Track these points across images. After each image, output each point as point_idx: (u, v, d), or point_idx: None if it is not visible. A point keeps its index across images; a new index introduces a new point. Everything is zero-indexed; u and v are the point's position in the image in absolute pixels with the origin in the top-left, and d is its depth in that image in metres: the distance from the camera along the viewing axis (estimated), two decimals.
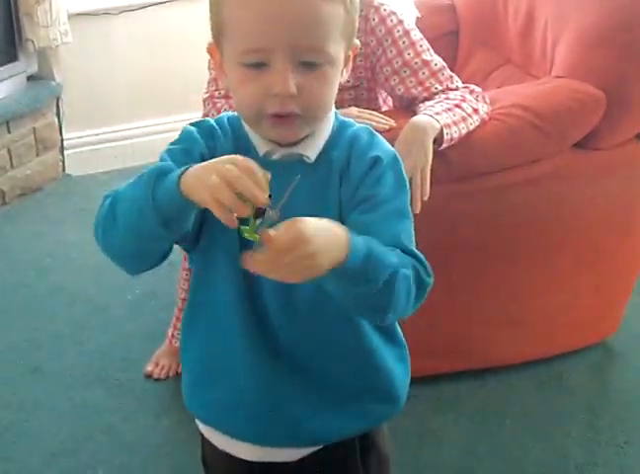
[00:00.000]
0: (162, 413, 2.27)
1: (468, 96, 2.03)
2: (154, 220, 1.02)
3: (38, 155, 3.55)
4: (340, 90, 2.20)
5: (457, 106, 1.96)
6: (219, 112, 2.11)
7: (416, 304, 1.10)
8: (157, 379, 2.38)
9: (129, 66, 3.72)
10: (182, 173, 1.00)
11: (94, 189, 3.58)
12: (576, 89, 2.05)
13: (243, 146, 1.13)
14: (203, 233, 1.15)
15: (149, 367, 2.40)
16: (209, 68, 2.19)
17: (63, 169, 3.70)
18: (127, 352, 2.50)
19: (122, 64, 3.70)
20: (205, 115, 2.17)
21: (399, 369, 1.26)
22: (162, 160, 1.11)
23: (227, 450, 1.26)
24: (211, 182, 0.94)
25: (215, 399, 1.22)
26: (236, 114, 1.17)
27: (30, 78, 3.53)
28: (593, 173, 2.17)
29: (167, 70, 3.76)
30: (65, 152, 3.69)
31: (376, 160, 1.13)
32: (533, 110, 2.00)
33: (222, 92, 2.14)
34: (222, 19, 1.07)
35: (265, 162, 1.09)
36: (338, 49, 1.07)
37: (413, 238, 1.13)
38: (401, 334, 1.27)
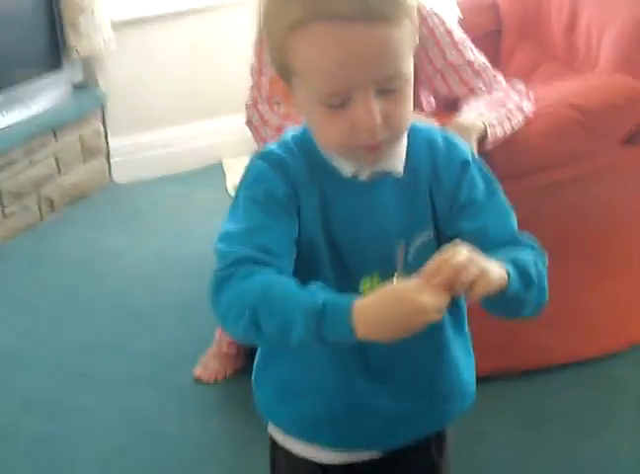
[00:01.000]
0: (211, 416, 2.29)
1: (512, 94, 2.01)
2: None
3: (84, 163, 3.59)
4: None
5: (502, 105, 1.95)
6: (262, 117, 2.12)
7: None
8: (206, 383, 2.39)
9: (171, 72, 3.75)
10: (349, 314, 0.96)
11: (140, 196, 3.62)
12: (622, 84, 2.02)
13: (319, 168, 1.12)
14: (299, 252, 1.12)
15: (198, 371, 2.42)
16: (252, 74, 2.20)
17: (110, 176, 3.74)
18: (175, 355, 2.52)
19: (164, 71, 3.73)
20: (249, 119, 2.19)
21: (467, 362, 1.27)
22: (244, 206, 1.09)
23: (307, 456, 1.26)
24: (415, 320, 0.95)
25: (302, 411, 1.21)
26: (299, 133, 1.14)
27: (74, 87, 3.57)
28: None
29: (208, 75, 3.78)
30: (111, 159, 3.73)
31: (465, 164, 1.14)
32: (579, 106, 1.98)
33: (264, 97, 2.15)
34: (291, 60, 1.04)
35: (351, 182, 1.11)
36: (409, 63, 1.06)
37: None
38: (467, 323, 1.28)
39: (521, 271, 1.04)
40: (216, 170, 3.80)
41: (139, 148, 3.79)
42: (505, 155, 1.94)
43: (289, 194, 1.09)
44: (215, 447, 2.18)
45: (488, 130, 1.87)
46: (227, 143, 3.82)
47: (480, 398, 2.26)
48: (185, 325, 2.68)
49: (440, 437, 1.30)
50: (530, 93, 2.05)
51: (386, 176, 1.12)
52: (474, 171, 1.14)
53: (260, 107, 2.16)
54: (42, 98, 3.42)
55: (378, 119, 1.01)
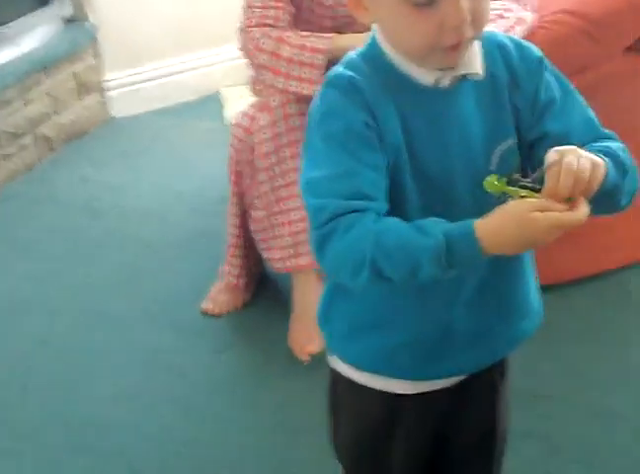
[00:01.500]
0: (222, 349, 2.29)
1: (513, 5, 1.95)
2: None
3: (80, 99, 3.53)
4: None
5: (501, 16, 1.89)
6: (254, 40, 2.06)
7: None
8: (215, 316, 2.39)
9: (163, 1, 3.66)
10: (475, 241, 0.98)
11: (138, 130, 3.57)
12: None
13: (395, 82, 1.08)
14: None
15: (205, 305, 2.41)
16: None
17: (107, 111, 3.68)
18: (182, 291, 2.51)
19: (156, 0, 3.64)
20: (243, 46, 2.12)
21: (535, 282, 1.26)
22: (324, 147, 1.05)
23: (380, 388, 1.24)
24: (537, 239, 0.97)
25: (380, 343, 1.19)
26: (364, 49, 1.11)
27: (65, 22, 3.50)
28: None
29: (201, 3, 3.69)
30: (107, 94, 3.67)
31: (540, 62, 1.13)
32: (582, 14, 1.92)
33: (256, 20, 2.08)
34: None
35: (431, 92, 1.07)
36: None
37: None
38: None
39: (615, 159, 1.05)
40: (214, 100, 3.74)
41: (135, 81, 3.72)
42: None
43: (367, 121, 1.05)
44: (229, 379, 2.19)
45: None
46: (224, 73, 3.76)
47: None
48: (190, 259, 2.66)
49: (503, 360, 1.31)
50: (534, 2, 1.99)
51: (466, 81, 1.09)
52: (548, 69, 1.13)
53: (253, 31, 2.09)
54: (33, 35, 3.35)
55: (468, 16, 1.00)
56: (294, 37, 2.03)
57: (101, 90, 3.64)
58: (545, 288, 2.30)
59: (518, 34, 1.89)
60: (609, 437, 1.95)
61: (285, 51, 2.02)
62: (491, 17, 1.83)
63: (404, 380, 1.22)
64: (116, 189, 3.12)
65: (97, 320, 2.43)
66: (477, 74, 1.08)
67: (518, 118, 1.12)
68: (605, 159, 1.02)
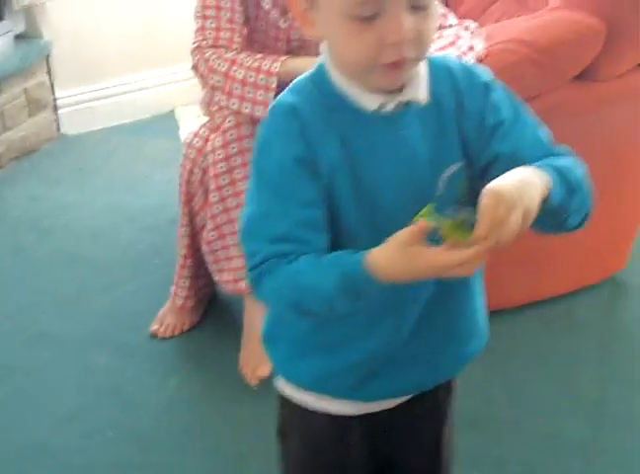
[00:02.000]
0: (169, 372, 2.26)
1: (463, 33, 1.96)
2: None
3: (30, 116, 3.48)
4: None
5: (452, 44, 1.91)
6: (208, 61, 2.06)
7: None
8: (163, 338, 2.36)
9: (118, 19, 3.64)
10: (364, 268, 0.99)
11: (90, 147, 3.54)
12: (574, 20, 1.98)
13: (338, 106, 1.08)
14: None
15: (154, 326, 2.38)
16: (196, 17, 2.12)
17: (58, 129, 3.64)
18: (132, 312, 2.48)
19: (111, 18, 3.62)
20: (194, 65, 2.12)
21: (483, 302, 1.26)
22: (258, 184, 1.08)
23: (326, 410, 1.24)
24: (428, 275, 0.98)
25: (325, 365, 1.19)
26: (314, 72, 1.11)
27: (17, 38, 3.45)
28: (594, 105, 2.11)
29: (157, 21, 3.68)
30: (59, 111, 3.63)
31: (487, 86, 1.12)
32: (531, 43, 1.93)
33: (210, 41, 2.08)
34: None
35: (374, 117, 1.07)
36: None
37: None
38: None
39: (563, 177, 1.04)
40: (169, 119, 3.73)
41: (88, 99, 3.69)
42: None
43: (300, 154, 1.05)
44: (175, 403, 2.16)
45: None
46: (180, 92, 3.74)
47: None
48: (140, 280, 2.63)
49: (449, 382, 1.31)
50: (482, 31, 2.01)
51: (411, 107, 1.08)
52: (496, 92, 1.13)
53: (206, 52, 2.09)
54: None
55: (408, 34, 0.99)
56: (248, 58, 2.03)
57: (52, 107, 3.60)
58: (493, 314, 2.33)
59: (469, 61, 1.90)
60: (558, 463, 1.96)
61: (239, 73, 2.01)
62: (443, 44, 1.88)
63: (349, 401, 1.22)
64: (66, 207, 3.08)
65: (42, 340, 2.39)
66: (421, 101, 1.09)
67: (466, 142, 1.11)
68: (551, 177, 1.02)
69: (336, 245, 1.07)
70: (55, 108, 3.62)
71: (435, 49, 1.87)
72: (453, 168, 1.09)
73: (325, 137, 1.06)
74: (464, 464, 1.94)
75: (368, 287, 1.02)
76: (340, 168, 1.06)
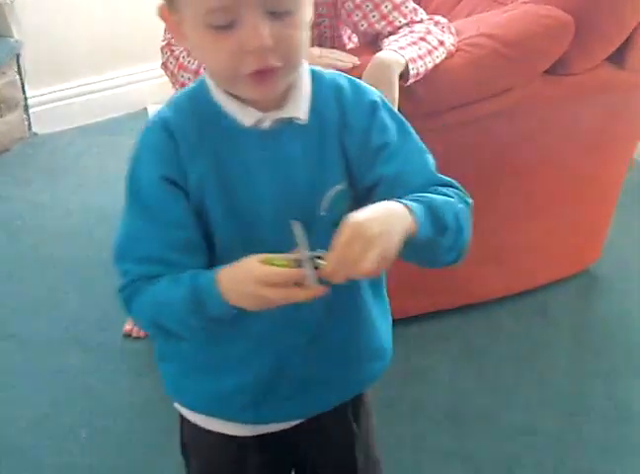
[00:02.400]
0: (143, 372, 2.24)
1: (433, 28, 1.96)
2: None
3: (1, 115, 3.44)
4: None
5: (422, 39, 1.90)
6: (177, 59, 2.04)
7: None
8: (136, 338, 2.35)
9: (89, 18, 3.60)
10: (218, 289, 0.98)
11: (62, 147, 3.50)
12: (543, 14, 1.98)
13: (214, 121, 1.04)
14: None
15: (127, 326, 2.37)
16: None
17: (29, 128, 3.60)
18: (104, 312, 2.45)
19: (81, 15, 3.58)
20: (164, 63, 2.10)
21: (386, 324, 1.23)
22: (128, 204, 1.06)
23: (220, 431, 1.22)
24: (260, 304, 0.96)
25: (209, 387, 1.17)
26: (194, 85, 1.08)
27: None
28: (565, 99, 2.12)
29: (127, 19, 3.64)
30: (30, 110, 3.59)
31: (374, 105, 1.08)
32: (500, 38, 1.94)
33: None
34: None
35: (251, 134, 1.04)
36: None
37: None
38: (385, 287, 1.24)
39: (435, 215, 1.00)
40: (141, 117, 3.69)
41: (60, 98, 3.65)
42: (427, 91, 1.90)
43: (168, 174, 1.03)
44: (149, 403, 2.14)
45: (409, 65, 1.83)
46: (151, 89, 3.71)
47: (415, 337, 2.29)
48: (113, 280, 2.57)
49: (356, 401, 1.27)
50: (452, 26, 2.01)
51: (292, 125, 1.05)
52: (384, 113, 1.08)
53: (175, 50, 2.07)
54: None
55: (267, 40, 0.95)
56: None
57: (23, 106, 3.56)
58: (468, 307, 2.36)
59: (439, 56, 1.90)
60: (533, 456, 1.97)
61: None
62: (413, 40, 1.88)
63: (240, 423, 1.20)
64: (37, 207, 3.05)
65: (15, 341, 2.37)
66: (299, 119, 1.05)
67: (349, 162, 1.07)
68: (418, 216, 0.97)
69: (213, 262, 1.05)
70: (26, 107, 3.58)
71: (406, 44, 1.87)
72: (337, 188, 1.06)
73: (196, 154, 1.04)
74: (439, 457, 1.96)
75: (214, 304, 0.99)
76: (209, 185, 1.04)
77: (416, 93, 1.88)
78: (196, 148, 1.04)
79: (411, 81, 1.85)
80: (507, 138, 2.11)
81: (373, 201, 0.98)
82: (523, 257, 2.37)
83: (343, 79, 1.10)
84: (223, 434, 1.22)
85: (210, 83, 1.06)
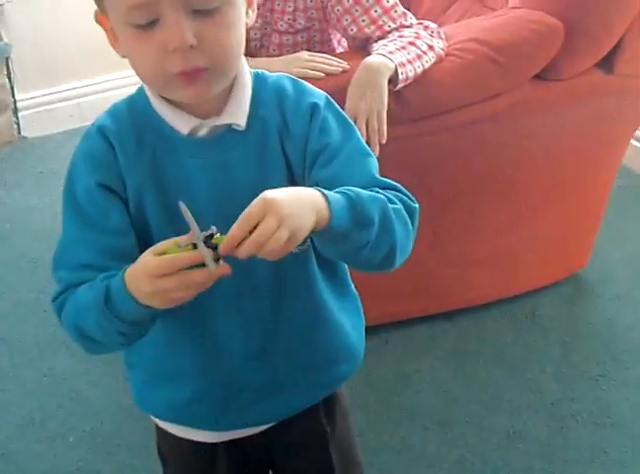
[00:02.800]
0: None
1: (423, 32, 1.96)
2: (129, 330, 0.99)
3: None
4: (292, 33, 2.13)
5: (412, 43, 1.90)
6: None
7: (413, 234, 1.05)
8: None
9: (79, 21, 3.57)
10: (126, 288, 0.95)
11: (52, 150, 3.49)
12: (533, 19, 1.98)
13: (152, 129, 1.03)
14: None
15: None
16: None
17: (18, 131, 3.60)
18: None
19: (71, 19, 3.57)
20: None
21: (355, 324, 1.22)
22: (64, 211, 1.04)
23: (189, 437, 1.22)
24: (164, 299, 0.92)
25: (172, 395, 1.16)
26: (136, 92, 1.06)
27: None
28: (554, 104, 2.12)
29: None
30: (19, 114, 3.59)
31: (314, 107, 1.05)
32: (489, 43, 1.93)
33: None
34: None
35: (190, 141, 1.03)
36: None
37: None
38: (352, 285, 1.22)
39: (356, 208, 0.95)
40: None
41: (49, 101, 3.65)
42: (416, 96, 1.90)
43: (104, 181, 1.02)
44: (135, 408, 2.11)
45: (398, 69, 1.83)
46: None
47: (404, 342, 2.30)
48: None
49: (329, 401, 1.26)
50: (441, 31, 2.01)
51: (231, 131, 1.04)
52: (327, 115, 1.06)
53: None
54: None
55: (190, 40, 0.92)
56: None
57: (12, 109, 3.55)
58: (456, 312, 2.36)
59: (429, 60, 1.90)
60: (521, 461, 1.97)
61: None
62: (402, 44, 1.88)
63: (204, 430, 1.20)
64: (27, 211, 3.04)
65: (2, 345, 2.36)
66: (237, 125, 1.03)
67: (290, 166, 1.06)
68: (337, 203, 0.94)
69: None
70: (16, 110, 3.57)
71: (395, 48, 1.87)
72: None
73: (133, 161, 1.03)
74: (427, 463, 1.96)
75: (124, 304, 0.95)
76: (148, 193, 1.03)
77: (405, 97, 1.88)
78: (134, 157, 1.03)
79: (400, 85, 1.85)
80: (495, 143, 2.11)
81: None
82: (512, 262, 2.37)
83: (287, 81, 1.08)
84: (192, 441, 1.21)
85: (148, 90, 1.04)
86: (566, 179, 2.28)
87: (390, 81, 1.83)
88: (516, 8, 2.09)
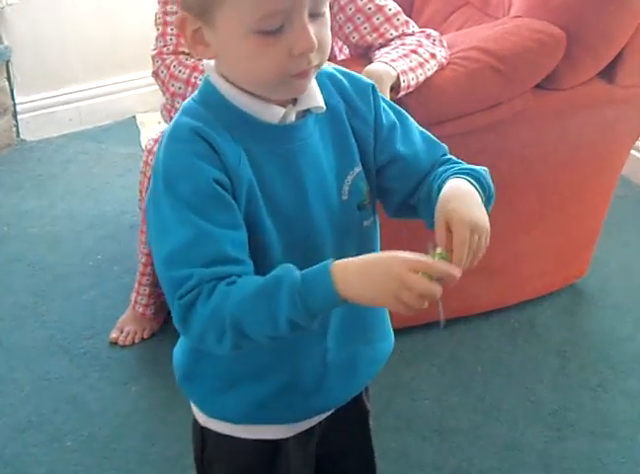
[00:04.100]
0: (129, 380, 2.23)
1: (425, 41, 1.97)
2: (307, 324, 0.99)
3: None
4: None
5: (414, 51, 1.91)
6: (169, 67, 2.05)
7: None
8: (123, 346, 2.34)
9: (79, 25, 3.60)
10: (332, 280, 0.95)
11: (50, 154, 3.48)
12: (535, 29, 1.99)
13: (238, 123, 1.04)
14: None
15: (114, 334, 2.36)
16: (156, 24, 2.11)
17: (17, 135, 3.59)
18: (91, 320, 2.45)
19: (72, 23, 3.58)
20: (155, 72, 2.10)
21: None
22: (175, 213, 1.00)
23: (256, 437, 1.22)
24: (400, 296, 0.95)
25: (252, 395, 1.17)
26: (199, 94, 1.07)
27: None
28: (555, 114, 2.12)
29: (118, 27, 3.65)
30: (19, 117, 3.58)
31: (372, 87, 1.14)
32: (492, 52, 1.94)
33: (171, 48, 2.07)
34: None
35: (279, 128, 1.05)
36: None
37: None
38: None
39: (482, 185, 1.08)
40: (130, 125, 3.69)
41: (48, 104, 3.64)
42: (418, 104, 1.90)
43: (215, 175, 1.00)
44: (135, 412, 2.14)
45: (400, 77, 1.83)
46: (140, 97, 3.71)
47: (400, 350, 2.28)
48: (100, 287, 2.60)
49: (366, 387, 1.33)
50: (443, 39, 2.01)
51: (309, 116, 1.08)
52: (380, 97, 1.15)
53: (167, 59, 2.07)
54: None
55: (316, 42, 0.98)
56: None
57: (12, 113, 3.55)
58: (454, 321, 2.36)
59: (431, 68, 1.91)
60: (518, 471, 1.97)
61: (200, 80, 2.00)
62: (404, 52, 1.89)
63: (280, 425, 1.21)
64: (25, 214, 3.03)
65: (0, 349, 2.35)
66: (321, 108, 1.08)
67: (361, 144, 1.12)
68: (477, 187, 1.06)
69: (263, 267, 1.03)
70: (15, 113, 3.56)
71: (397, 56, 1.88)
72: (355, 171, 1.11)
73: (235, 158, 1.02)
74: (425, 472, 1.96)
75: (323, 297, 0.96)
76: (254, 185, 1.04)
77: (406, 105, 1.88)
78: (231, 150, 1.02)
79: (402, 93, 1.86)
80: (496, 152, 2.11)
81: (383, 180, 1.10)
82: (510, 271, 2.37)
83: (330, 69, 1.14)
84: (258, 440, 1.22)
85: (222, 88, 1.05)
86: (564, 187, 2.28)
87: (392, 89, 1.84)
88: (517, 17, 2.10)
